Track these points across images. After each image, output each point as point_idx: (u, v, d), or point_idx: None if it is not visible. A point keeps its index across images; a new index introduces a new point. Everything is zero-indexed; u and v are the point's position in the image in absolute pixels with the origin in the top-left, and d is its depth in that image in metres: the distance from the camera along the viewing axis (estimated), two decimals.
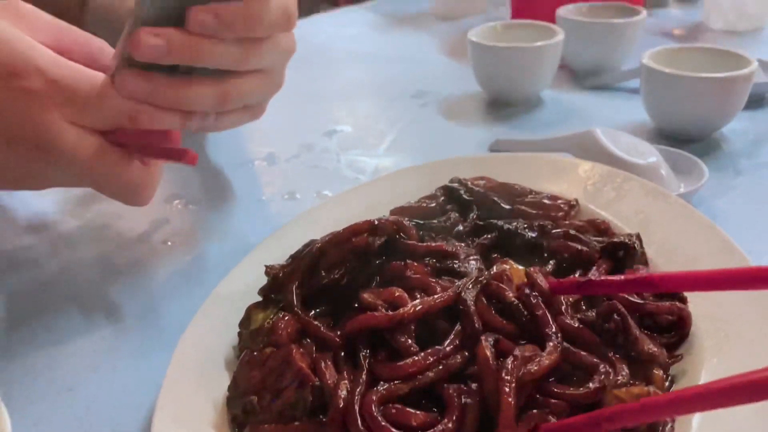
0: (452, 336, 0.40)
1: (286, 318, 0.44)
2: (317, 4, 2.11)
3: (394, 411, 0.37)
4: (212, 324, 0.47)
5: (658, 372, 0.40)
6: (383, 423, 0.36)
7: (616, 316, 0.41)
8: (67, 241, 0.66)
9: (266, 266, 0.48)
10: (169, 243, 0.64)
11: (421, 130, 0.87)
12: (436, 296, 0.42)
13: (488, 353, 0.38)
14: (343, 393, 0.38)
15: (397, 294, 0.43)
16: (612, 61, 0.95)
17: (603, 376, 0.38)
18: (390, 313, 0.41)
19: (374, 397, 0.37)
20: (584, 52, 0.95)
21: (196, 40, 0.46)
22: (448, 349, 0.39)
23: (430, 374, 0.39)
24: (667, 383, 0.40)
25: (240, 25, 0.47)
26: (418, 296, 0.43)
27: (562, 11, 0.96)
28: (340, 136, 0.87)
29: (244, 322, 0.46)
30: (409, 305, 0.41)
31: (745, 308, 0.42)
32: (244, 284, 0.49)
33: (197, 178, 0.77)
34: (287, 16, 0.50)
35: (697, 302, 0.44)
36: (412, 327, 0.41)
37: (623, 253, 0.47)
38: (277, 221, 0.65)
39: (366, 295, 0.43)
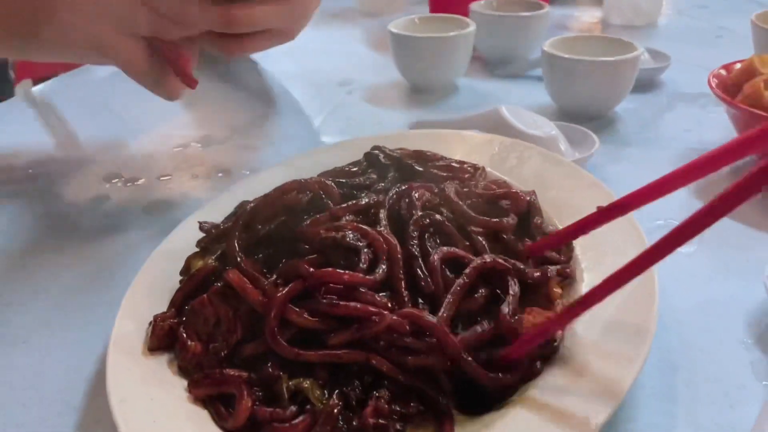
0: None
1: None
2: None
3: None
4: (156, 274, 0.51)
5: (558, 290, 0.47)
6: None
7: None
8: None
9: (200, 222, 0.53)
10: (111, 216, 0.69)
11: (347, 115, 0.93)
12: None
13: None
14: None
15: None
16: (520, 51, 1.04)
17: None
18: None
19: None
20: (495, 43, 1.03)
21: None
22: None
23: None
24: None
25: None
26: None
27: (475, 6, 1.04)
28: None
29: (184, 271, 0.51)
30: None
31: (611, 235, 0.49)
32: (184, 242, 0.54)
33: (135, 158, 0.81)
34: None
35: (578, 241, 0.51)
36: None
37: (527, 210, 0.54)
38: (212, 195, 0.70)
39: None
